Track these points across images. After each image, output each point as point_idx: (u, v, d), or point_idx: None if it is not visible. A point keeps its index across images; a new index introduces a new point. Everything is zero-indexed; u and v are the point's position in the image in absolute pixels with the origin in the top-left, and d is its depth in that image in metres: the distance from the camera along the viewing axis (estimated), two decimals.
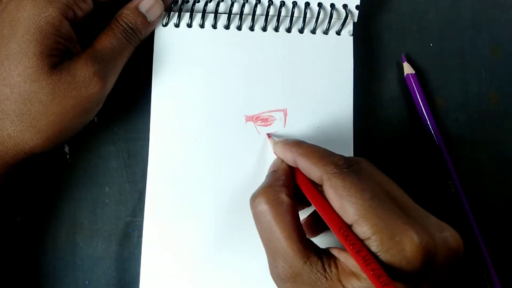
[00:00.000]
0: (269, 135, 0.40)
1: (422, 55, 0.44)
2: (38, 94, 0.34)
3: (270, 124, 0.40)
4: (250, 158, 0.40)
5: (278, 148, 0.37)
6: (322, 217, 0.32)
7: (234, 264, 0.38)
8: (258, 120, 0.40)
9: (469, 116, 0.44)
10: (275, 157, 0.39)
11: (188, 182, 0.39)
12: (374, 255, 0.29)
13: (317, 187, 0.33)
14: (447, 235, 0.30)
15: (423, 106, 0.42)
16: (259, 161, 0.40)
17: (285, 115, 0.40)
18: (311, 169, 0.33)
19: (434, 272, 0.29)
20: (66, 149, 0.41)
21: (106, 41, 0.37)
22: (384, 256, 0.28)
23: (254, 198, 0.34)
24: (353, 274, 0.30)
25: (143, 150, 0.40)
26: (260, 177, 0.39)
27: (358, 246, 0.29)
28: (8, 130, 0.35)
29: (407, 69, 0.43)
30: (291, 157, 0.35)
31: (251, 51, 0.41)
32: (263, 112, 0.40)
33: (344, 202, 0.30)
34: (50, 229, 0.40)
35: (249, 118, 0.40)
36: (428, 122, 0.42)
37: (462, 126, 0.43)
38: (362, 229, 0.29)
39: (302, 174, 0.34)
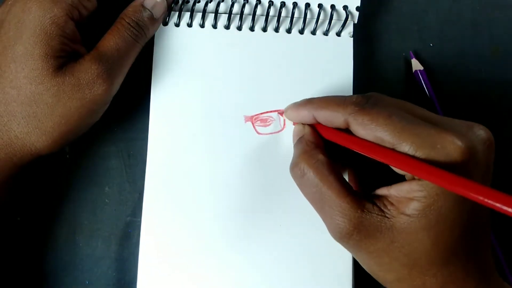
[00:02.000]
0: (281, 113, 0.40)
1: (422, 55, 0.44)
2: (43, 96, 0.35)
3: (269, 124, 0.40)
4: (249, 158, 0.40)
5: (291, 112, 0.38)
6: (364, 153, 0.32)
7: (232, 264, 0.38)
8: (257, 121, 0.40)
9: (469, 116, 0.43)
10: (274, 158, 0.39)
11: (186, 182, 0.39)
12: None
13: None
14: (477, 131, 0.31)
15: (435, 102, 0.42)
16: (257, 161, 0.40)
17: None
18: (333, 117, 0.34)
19: (479, 166, 0.30)
20: (66, 149, 0.41)
21: (111, 41, 0.37)
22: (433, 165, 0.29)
23: (294, 168, 0.35)
24: (410, 199, 0.30)
25: (143, 150, 0.40)
26: (259, 177, 0.40)
27: (413, 158, 0.29)
28: (15, 131, 0.35)
29: (416, 65, 0.43)
30: (308, 114, 0.36)
31: (251, 52, 0.41)
32: (262, 113, 0.40)
33: (377, 133, 0.31)
34: (50, 229, 0.41)
35: (248, 119, 0.40)
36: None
37: None
38: (404, 150, 0.30)
39: (326, 127, 0.35)
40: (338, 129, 0.34)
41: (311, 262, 0.39)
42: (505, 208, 0.25)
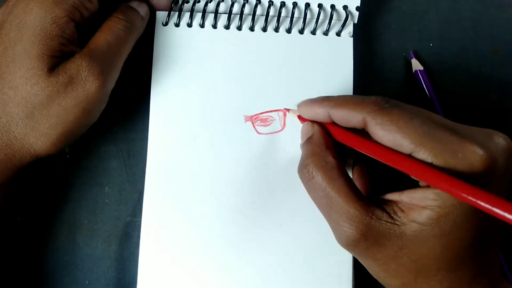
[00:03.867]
0: (287, 109, 0.40)
1: (422, 55, 0.44)
2: (38, 96, 0.34)
3: (269, 124, 0.40)
4: (249, 158, 0.40)
5: (304, 108, 0.37)
6: (378, 158, 0.31)
7: (232, 264, 0.38)
8: (257, 120, 0.40)
9: (469, 116, 0.44)
10: (274, 158, 0.39)
11: (186, 182, 0.39)
12: None
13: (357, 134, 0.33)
14: (497, 139, 0.31)
15: (436, 102, 0.42)
16: (257, 161, 0.40)
17: (284, 115, 0.40)
18: (350, 116, 0.33)
19: (499, 176, 0.30)
20: (66, 149, 0.41)
21: (101, 38, 0.37)
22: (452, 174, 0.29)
23: (302, 169, 0.34)
24: (423, 208, 0.30)
25: (143, 150, 0.40)
26: (259, 177, 0.40)
27: (431, 167, 0.29)
28: (14, 132, 0.35)
29: (416, 65, 0.43)
30: (323, 112, 0.35)
31: (251, 51, 0.41)
32: (262, 112, 0.40)
33: (396, 135, 0.30)
34: (50, 229, 0.41)
35: (248, 118, 0.40)
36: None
37: None
38: (423, 156, 0.29)
39: (338, 127, 0.34)
40: (352, 130, 0.34)
41: (311, 262, 0.39)
42: None
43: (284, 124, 0.40)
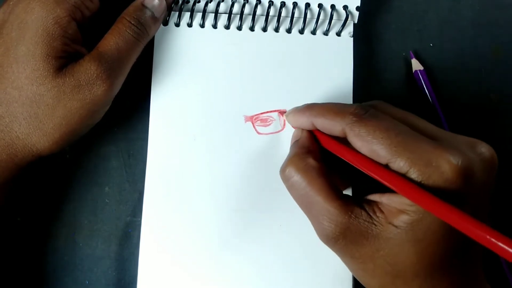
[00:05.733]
0: (281, 114, 0.40)
1: (422, 55, 0.44)
2: (44, 97, 0.34)
3: (269, 124, 0.40)
4: (249, 158, 0.40)
5: (291, 117, 0.37)
6: (357, 166, 0.32)
7: (232, 264, 0.38)
8: (257, 121, 0.40)
9: (469, 116, 0.44)
10: (274, 158, 0.39)
11: (186, 182, 0.39)
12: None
13: (341, 142, 0.34)
14: (479, 149, 0.31)
15: (435, 102, 0.42)
16: (257, 162, 0.40)
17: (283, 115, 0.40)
18: (330, 125, 0.33)
19: (475, 188, 0.30)
20: (66, 149, 0.41)
21: (111, 41, 0.37)
22: (426, 183, 0.29)
23: (283, 170, 0.34)
24: (400, 211, 0.30)
25: (143, 150, 0.40)
26: (259, 177, 0.40)
27: (403, 178, 0.29)
28: (16, 132, 0.35)
29: (416, 65, 0.43)
30: (307, 121, 0.35)
31: (251, 52, 0.41)
32: (262, 113, 0.40)
33: (373, 146, 0.30)
34: (50, 229, 0.41)
35: (248, 118, 0.40)
36: (443, 118, 0.42)
37: (462, 126, 0.43)
38: (398, 166, 0.30)
39: (323, 134, 0.35)
40: (337, 138, 0.34)
41: (311, 262, 0.39)
42: (488, 238, 0.25)
43: (284, 124, 0.40)
